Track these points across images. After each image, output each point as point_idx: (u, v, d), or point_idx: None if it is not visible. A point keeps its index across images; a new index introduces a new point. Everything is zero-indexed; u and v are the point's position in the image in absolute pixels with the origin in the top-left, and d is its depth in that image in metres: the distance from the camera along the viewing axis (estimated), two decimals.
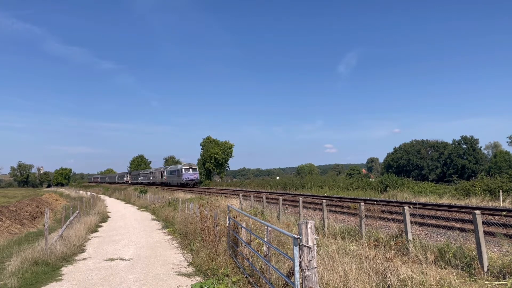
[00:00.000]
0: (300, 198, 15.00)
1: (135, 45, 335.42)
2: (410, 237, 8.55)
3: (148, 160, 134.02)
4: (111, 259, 10.61)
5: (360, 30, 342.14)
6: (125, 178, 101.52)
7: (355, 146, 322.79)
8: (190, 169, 59.13)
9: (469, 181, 27.08)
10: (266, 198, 19.90)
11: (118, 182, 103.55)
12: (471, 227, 8.15)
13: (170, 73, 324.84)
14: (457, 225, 11.21)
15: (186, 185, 57.11)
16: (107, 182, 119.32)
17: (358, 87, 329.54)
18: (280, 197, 17.39)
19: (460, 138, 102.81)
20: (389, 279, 5.81)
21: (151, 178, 78.30)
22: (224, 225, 9.85)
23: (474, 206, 16.93)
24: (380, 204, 17.23)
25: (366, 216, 11.21)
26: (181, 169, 59.19)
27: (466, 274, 6.67)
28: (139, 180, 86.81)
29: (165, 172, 68.62)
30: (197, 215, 13.24)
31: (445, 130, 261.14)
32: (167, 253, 11.30)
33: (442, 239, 9.80)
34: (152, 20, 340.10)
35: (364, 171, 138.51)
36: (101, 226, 19.76)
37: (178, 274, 8.46)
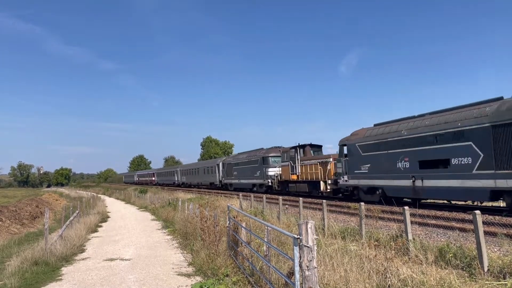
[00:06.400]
0: (300, 198, 14.98)
1: (135, 45, 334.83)
2: (410, 237, 8.55)
3: (148, 160, 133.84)
4: (111, 259, 10.61)
5: (360, 30, 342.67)
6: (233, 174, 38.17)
7: None
8: None
9: None
10: (266, 198, 19.89)
11: (216, 188, 43.22)
12: (471, 227, 8.14)
13: (171, 73, 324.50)
14: (457, 225, 11.19)
15: None
16: (185, 184, 55.58)
17: (359, 87, 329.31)
18: (280, 197, 17.38)
19: None
20: (389, 279, 5.81)
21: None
22: (224, 225, 9.85)
23: (474, 206, 16.92)
24: (380, 204, 17.21)
25: (366, 216, 11.20)
26: None
27: (466, 274, 6.67)
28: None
29: None
30: (197, 215, 13.23)
31: None
32: (167, 253, 11.30)
33: (442, 239, 9.80)
34: (152, 20, 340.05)
35: None
36: (101, 226, 19.77)
37: (178, 274, 8.46)
